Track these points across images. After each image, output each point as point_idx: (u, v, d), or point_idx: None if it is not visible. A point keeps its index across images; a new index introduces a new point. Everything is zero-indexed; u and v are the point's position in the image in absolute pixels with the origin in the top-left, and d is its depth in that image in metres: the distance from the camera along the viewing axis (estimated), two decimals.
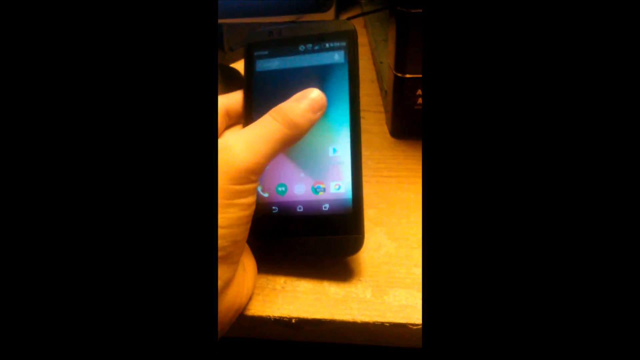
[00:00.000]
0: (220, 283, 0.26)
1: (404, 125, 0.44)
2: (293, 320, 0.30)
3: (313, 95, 0.31)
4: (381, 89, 0.49)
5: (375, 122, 0.47)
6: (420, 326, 0.29)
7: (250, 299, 0.30)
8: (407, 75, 0.40)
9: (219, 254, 0.26)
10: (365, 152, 0.42)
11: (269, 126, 0.29)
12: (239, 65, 0.51)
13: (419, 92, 0.41)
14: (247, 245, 0.31)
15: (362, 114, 0.48)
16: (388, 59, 0.42)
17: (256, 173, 0.28)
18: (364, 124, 0.46)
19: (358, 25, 0.64)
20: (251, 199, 0.28)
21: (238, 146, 0.27)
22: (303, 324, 0.30)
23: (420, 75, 0.40)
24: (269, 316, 0.30)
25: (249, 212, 0.28)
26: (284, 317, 0.30)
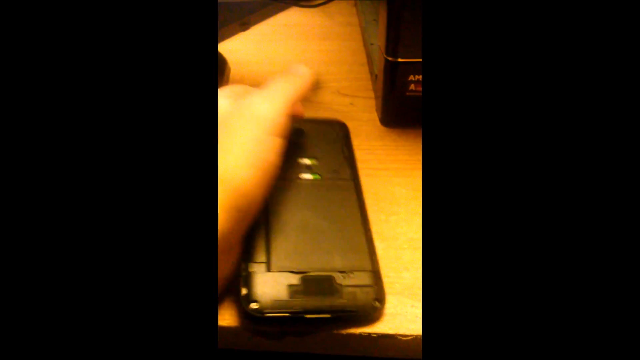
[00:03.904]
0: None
1: (395, 112, 0.41)
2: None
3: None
4: (371, 72, 0.46)
5: (364, 108, 0.44)
6: (411, 337, 0.27)
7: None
8: (399, 60, 0.37)
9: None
10: (353, 142, 0.39)
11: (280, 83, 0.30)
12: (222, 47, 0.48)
13: (412, 77, 0.38)
14: None
15: (350, 99, 0.45)
16: (379, 41, 0.39)
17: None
18: (353, 111, 0.43)
19: (348, 3, 0.60)
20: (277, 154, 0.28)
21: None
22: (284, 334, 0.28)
23: (414, 60, 0.37)
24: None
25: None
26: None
